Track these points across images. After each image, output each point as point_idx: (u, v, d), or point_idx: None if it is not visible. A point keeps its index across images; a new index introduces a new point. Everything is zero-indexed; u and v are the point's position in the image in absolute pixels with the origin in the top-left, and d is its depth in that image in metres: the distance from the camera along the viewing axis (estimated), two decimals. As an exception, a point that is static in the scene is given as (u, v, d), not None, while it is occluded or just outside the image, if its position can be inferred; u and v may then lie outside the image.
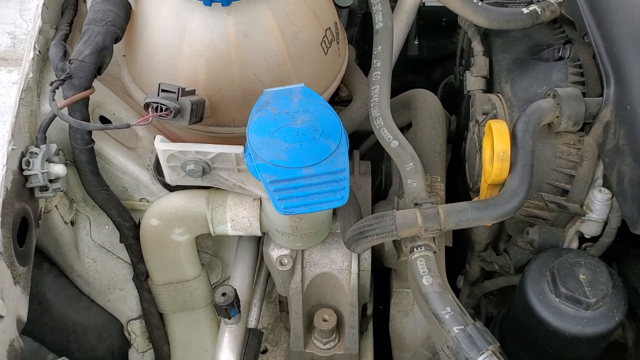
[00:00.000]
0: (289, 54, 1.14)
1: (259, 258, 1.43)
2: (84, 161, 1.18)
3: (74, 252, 1.36)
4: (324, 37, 1.20)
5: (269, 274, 1.45)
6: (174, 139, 1.25)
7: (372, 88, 1.26)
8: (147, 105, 1.05)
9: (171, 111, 1.04)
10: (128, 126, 1.04)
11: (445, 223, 1.04)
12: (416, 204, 1.07)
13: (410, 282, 1.13)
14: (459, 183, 1.60)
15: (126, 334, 1.51)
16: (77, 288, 1.41)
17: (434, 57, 2.14)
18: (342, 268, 1.29)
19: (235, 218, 1.23)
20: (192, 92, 1.11)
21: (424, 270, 1.04)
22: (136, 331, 1.51)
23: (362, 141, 1.71)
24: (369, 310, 1.45)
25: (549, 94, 1.16)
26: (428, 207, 1.05)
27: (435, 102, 1.36)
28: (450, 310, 0.96)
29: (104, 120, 1.30)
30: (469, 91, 1.37)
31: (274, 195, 0.96)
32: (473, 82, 1.36)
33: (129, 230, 1.32)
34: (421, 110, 1.34)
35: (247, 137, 0.99)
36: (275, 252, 1.28)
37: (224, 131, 1.19)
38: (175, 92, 1.05)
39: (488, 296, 1.49)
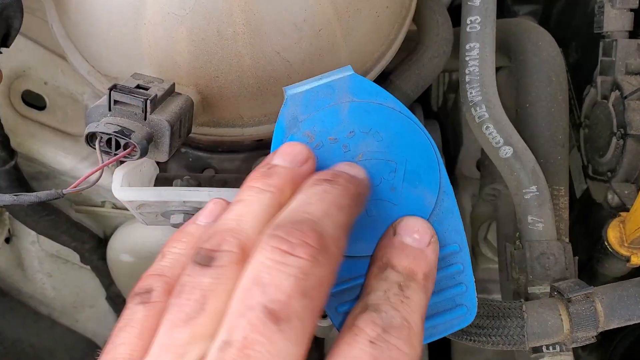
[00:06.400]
0: (334, 9, 0.64)
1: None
2: (5, 187, 0.74)
3: (18, 273, 0.96)
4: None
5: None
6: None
7: (467, 47, 0.77)
8: (89, 138, 0.58)
9: (135, 148, 0.57)
10: (60, 196, 0.57)
11: (605, 325, 0.64)
12: (556, 291, 0.64)
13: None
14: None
15: None
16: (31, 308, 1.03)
17: None
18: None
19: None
20: (171, 89, 0.63)
21: (562, 391, 0.65)
22: None
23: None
24: None
25: None
26: (581, 302, 0.63)
27: (556, 53, 0.86)
28: None
29: (30, 96, 0.82)
30: (604, 32, 0.87)
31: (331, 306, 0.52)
32: (614, 18, 0.86)
33: (91, 252, 0.91)
34: (534, 66, 0.85)
35: None
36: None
37: (227, 132, 0.73)
38: (140, 105, 0.58)
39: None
